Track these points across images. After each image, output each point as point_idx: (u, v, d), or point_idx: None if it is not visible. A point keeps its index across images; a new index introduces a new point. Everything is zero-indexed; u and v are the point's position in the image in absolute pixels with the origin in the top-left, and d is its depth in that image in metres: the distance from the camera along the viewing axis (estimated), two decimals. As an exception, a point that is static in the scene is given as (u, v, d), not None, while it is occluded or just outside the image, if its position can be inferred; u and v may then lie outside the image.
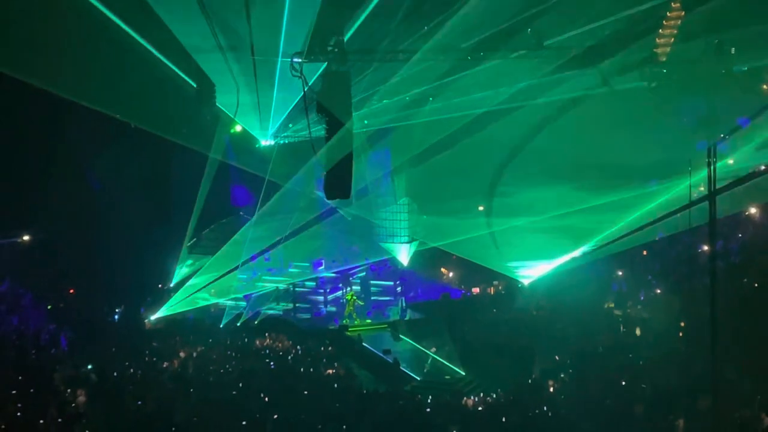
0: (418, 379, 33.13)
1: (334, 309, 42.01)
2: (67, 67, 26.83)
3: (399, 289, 43.33)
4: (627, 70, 27.64)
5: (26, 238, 38.27)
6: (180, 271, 41.99)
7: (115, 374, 30.12)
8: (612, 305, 36.13)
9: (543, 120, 31.57)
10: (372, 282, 43.51)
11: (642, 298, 36.29)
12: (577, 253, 36.47)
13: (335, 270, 43.28)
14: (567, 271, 37.00)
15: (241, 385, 29.27)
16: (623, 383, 27.56)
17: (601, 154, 31.79)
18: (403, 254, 42.76)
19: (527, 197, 35.54)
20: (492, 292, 42.04)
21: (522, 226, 35.72)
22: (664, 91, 27.29)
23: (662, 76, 27.50)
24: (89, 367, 30.41)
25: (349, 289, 41.61)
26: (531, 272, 37.99)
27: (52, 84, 26.98)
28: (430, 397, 29.52)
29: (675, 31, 25.58)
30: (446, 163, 34.42)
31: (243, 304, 39.95)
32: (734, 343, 23.57)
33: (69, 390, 27.95)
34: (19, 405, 25.42)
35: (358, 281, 43.24)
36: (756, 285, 29.47)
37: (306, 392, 28.54)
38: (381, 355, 35.59)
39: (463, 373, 33.19)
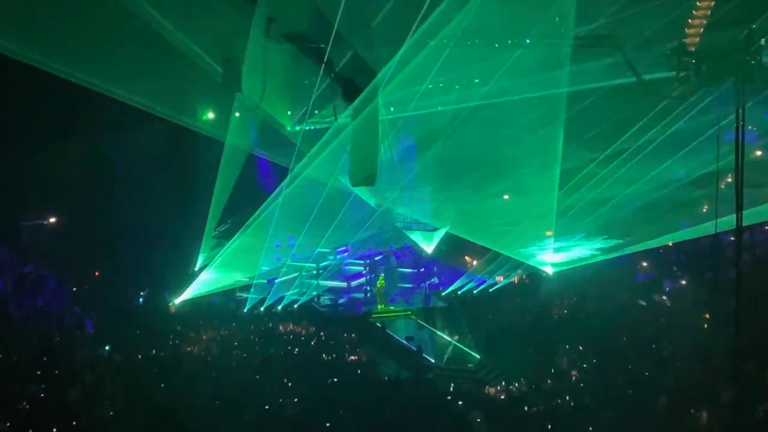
0: (441, 366, 33.27)
1: (358, 295, 42.16)
2: (89, 49, 26.88)
3: (423, 276, 43.37)
4: (656, 59, 27.42)
5: (51, 220, 38.67)
6: (204, 255, 42.15)
7: (139, 357, 30.48)
8: (636, 296, 36.07)
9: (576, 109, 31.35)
10: (396, 269, 43.63)
11: (667, 289, 36.22)
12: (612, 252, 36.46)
13: (359, 256, 43.45)
14: (593, 260, 36.96)
15: (263, 370, 29.53)
16: (646, 374, 27.61)
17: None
18: (428, 242, 42.80)
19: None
20: (516, 282, 42.03)
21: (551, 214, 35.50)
22: (693, 81, 27.05)
23: (691, 66, 27.26)
24: (112, 349, 30.79)
25: (380, 276, 41.81)
26: (557, 261, 37.95)
27: (74, 66, 27.05)
28: (452, 384, 29.68)
29: (705, 21, 25.33)
30: (472, 151, 34.35)
31: (267, 289, 40.10)
32: (758, 335, 23.49)
33: (92, 372, 28.30)
34: (43, 386, 25.78)
35: (382, 267, 43.34)
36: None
37: (329, 379, 28.77)
38: (404, 342, 35.77)
39: (486, 362, 33.32)
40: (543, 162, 32.50)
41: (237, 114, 35.15)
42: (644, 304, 35.48)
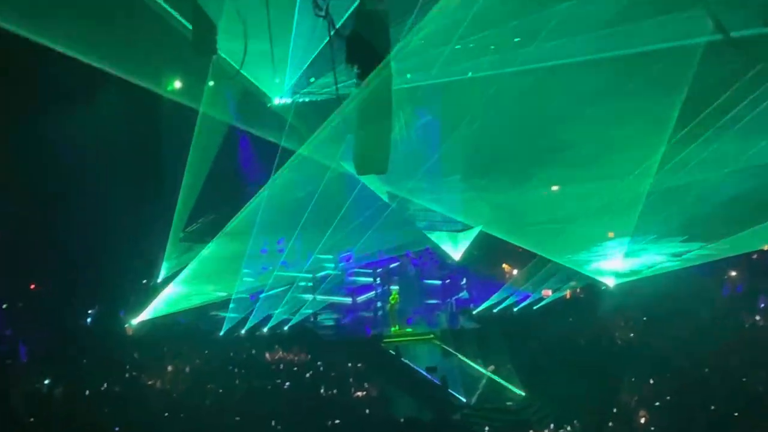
0: (472, 405, 33.12)
1: (366, 314, 42.05)
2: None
3: (449, 289, 43.24)
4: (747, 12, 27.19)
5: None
6: (170, 264, 42.10)
7: (87, 393, 30.36)
8: (722, 315, 35.87)
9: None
10: (414, 280, 43.51)
11: (762, 305, 36.00)
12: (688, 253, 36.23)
13: (367, 264, 43.37)
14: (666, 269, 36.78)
15: (245, 410, 29.40)
16: (735, 415, 27.38)
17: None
18: (455, 246, 42.66)
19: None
20: (568, 296, 41.82)
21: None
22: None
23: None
24: (53, 383, 30.67)
25: (394, 290, 41.74)
26: (621, 270, 37.77)
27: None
28: (486, 428, 29.50)
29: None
30: (511, 129, 34.17)
31: (249, 305, 40.04)
32: None
33: (28, 411, 28.15)
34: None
35: (396, 279, 43.23)
36: None
37: (329, 421, 28.62)
38: (424, 373, 35.62)
39: (530, 398, 33.12)
40: (605, 142, 32.25)
41: (212, 82, 35.13)
42: (732, 325, 35.19)
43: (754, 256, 38.01)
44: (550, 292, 41.88)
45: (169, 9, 29.63)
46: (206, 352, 35.97)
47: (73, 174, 37.35)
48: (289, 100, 38.01)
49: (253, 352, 36.47)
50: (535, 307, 40.96)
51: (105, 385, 31.12)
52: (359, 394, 32.28)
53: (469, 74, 33.56)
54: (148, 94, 33.93)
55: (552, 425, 29.32)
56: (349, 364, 35.05)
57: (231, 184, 44.41)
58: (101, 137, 37.41)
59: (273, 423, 28.17)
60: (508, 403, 33.23)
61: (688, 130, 31.27)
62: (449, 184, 40.91)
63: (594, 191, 35.13)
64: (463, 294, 43.47)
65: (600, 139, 32.80)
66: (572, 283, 41.70)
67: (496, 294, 41.79)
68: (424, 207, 42.28)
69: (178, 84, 35.35)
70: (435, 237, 43.03)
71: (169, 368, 33.90)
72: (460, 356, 37.37)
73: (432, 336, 39.58)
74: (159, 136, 39.45)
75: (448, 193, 41.16)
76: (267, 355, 36.20)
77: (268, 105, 38.15)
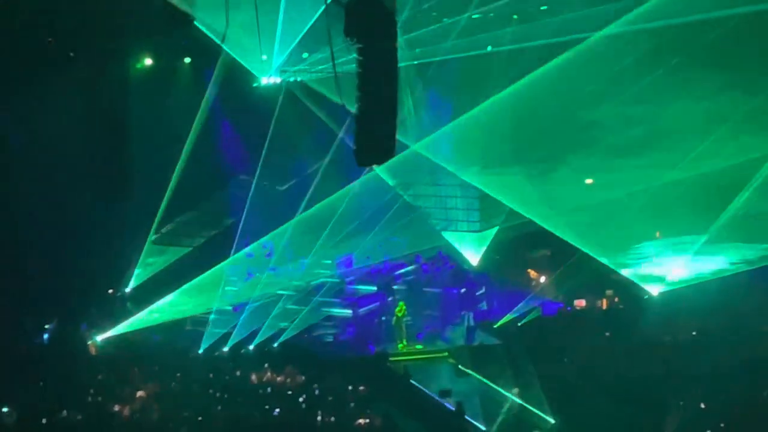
0: (493, 434, 33.03)
1: (369, 329, 41.94)
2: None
3: (465, 299, 43.13)
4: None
5: None
6: (141, 270, 42.07)
7: (43, 421, 30.22)
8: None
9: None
10: (425, 289, 43.44)
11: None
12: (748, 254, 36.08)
13: (370, 271, 43.27)
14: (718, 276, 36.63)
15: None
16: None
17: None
18: (472, 248, 42.55)
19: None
20: (604, 307, 41.72)
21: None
22: None
23: None
24: (4, 410, 30.54)
25: (401, 301, 41.62)
26: (668, 276, 37.65)
27: None
28: (510, 462, 29.50)
29: None
30: (537, 110, 34.06)
31: (232, 319, 39.96)
32: None
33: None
34: None
35: (405, 288, 43.13)
36: None
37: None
38: (437, 398, 35.47)
39: (562, 427, 32.97)
40: (650, 124, 32.17)
41: (189, 59, 35.09)
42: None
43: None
44: (583, 302, 41.77)
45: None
46: (182, 373, 35.83)
47: (33, 165, 37.31)
48: (278, 80, 37.94)
49: (237, 373, 36.33)
50: (566, 320, 40.77)
51: (64, 412, 30.92)
52: (361, 421, 32.07)
53: (489, 48, 33.48)
54: (121, 76, 33.89)
55: (585, 457, 29.22)
56: (350, 387, 34.87)
57: (211, 178, 44.39)
58: (67, 125, 37.38)
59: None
60: (535, 431, 33.09)
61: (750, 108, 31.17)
62: (466, 174, 40.90)
63: (639, 178, 35.05)
64: (482, 305, 43.31)
65: (645, 120, 32.71)
66: (609, 293, 41.56)
67: (520, 305, 41.67)
68: (435, 203, 42.21)
69: (148, 62, 35.19)
70: (449, 238, 42.96)
71: (139, 392, 33.77)
72: (478, 377, 37.24)
73: (446, 354, 39.51)
74: (129, 123, 39.30)
75: (463, 187, 41.13)
76: (253, 376, 36.04)
77: (255, 85, 38.11)
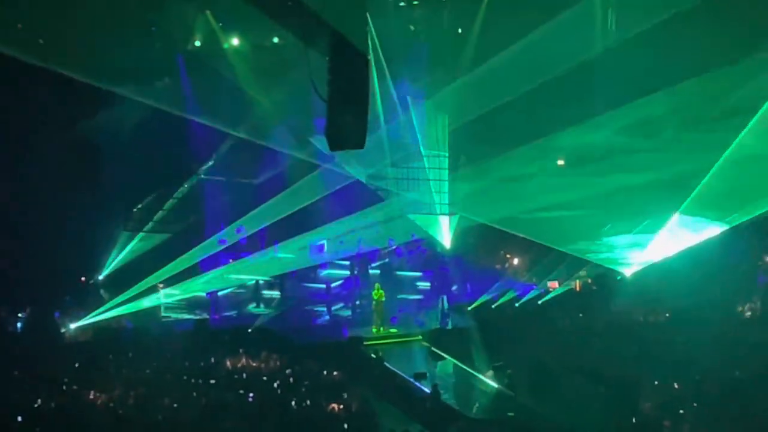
0: (468, 416, 33.08)
1: (344, 313, 42.00)
2: None
3: (439, 283, 43.22)
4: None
5: None
6: (115, 258, 41.96)
7: (18, 418, 30.11)
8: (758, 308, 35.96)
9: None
10: (399, 273, 43.50)
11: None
12: (713, 230, 36.21)
13: (343, 256, 43.30)
14: (690, 256, 36.76)
15: (204, 426, 29.30)
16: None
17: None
18: (444, 232, 42.59)
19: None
20: (578, 289, 41.87)
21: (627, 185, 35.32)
22: None
23: None
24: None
25: (377, 284, 41.62)
26: (637, 258, 37.79)
27: None
28: (486, 443, 29.60)
29: None
30: (510, 97, 34.15)
31: (206, 305, 39.94)
32: None
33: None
34: None
35: (378, 272, 43.19)
36: None
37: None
38: (412, 381, 35.60)
39: (536, 408, 33.10)
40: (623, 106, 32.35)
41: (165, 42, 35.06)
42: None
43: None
44: (557, 284, 41.90)
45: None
46: (157, 360, 35.85)
47: (5, 150, 37.16)
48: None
49: (213, 360, 36.31)
50: (540, 302, 40.93)
51: (38, 402, 30.90)
52: (336, 406, 32.15)
53: (459, 30, 33.58)
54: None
55: (562, 439, 29.35)
56: (324, 372, 34.99)
57: (185, 166, 44.32)
58: (39, 113, 37.27)
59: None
60: (510, 414, 33.11)
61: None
62: (434, 161, 40.96)
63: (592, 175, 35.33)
64: (456, 288, 43.38)
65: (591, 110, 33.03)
66: (581, 273, 41.69)
67: (493, 287, 41.78)
68: (407, 186, 42.22)
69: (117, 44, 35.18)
70: (422, 223, 42.98)
71: (115, 380, 33.78)
72: (453, 360, 37.35)
73: (420, 337, 39.50)
74: (97, 116, 39.20)
75: (433, 170, 41.18)
76: (228, 362, 36.05)
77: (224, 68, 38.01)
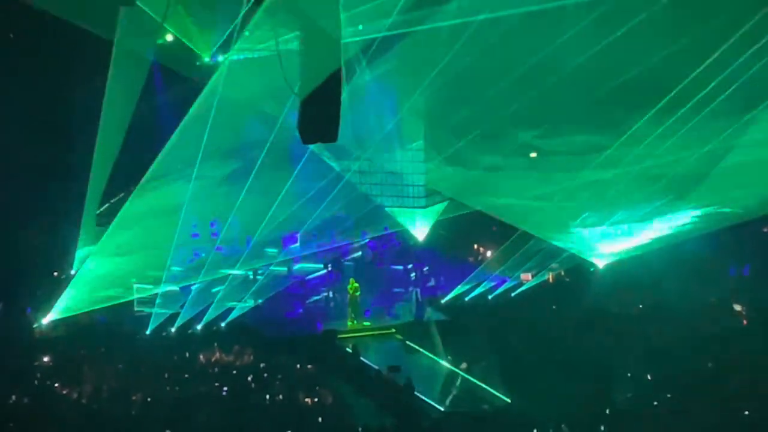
0: (442, 409, 33.16)
1: (317, 306, 42.00)
2: None
3: (413, 276, 43.26)
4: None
5: None
6: (85, 252, 41.78)
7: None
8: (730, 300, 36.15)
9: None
10: (372, 267, 43.53)
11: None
12: (685, 218, 36.27)
13: (317, 249, 43.28)
14: (662, 248, 36.86)
15: (178, 420, 29.28)
16: (746, 413, 27.54)
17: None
18: (419, 225, 42.61)
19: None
20: (551, 281, 41.95)
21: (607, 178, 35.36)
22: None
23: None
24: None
25: (351, 277, 41.67)
26: (610, 249, 37.88)
27: None
28: (460, 435, 29.66)
29: None
30: (484, 87, 34.13)
31: (179, 299, 39.87)
32: None
33: None
34: None
35: (351, 265, 43.18)
36: None
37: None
38: (386, 374, 35.62)
39: (509, 401, 33.20)
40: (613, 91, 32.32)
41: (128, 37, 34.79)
42: (741, 310, 35.42)
43: (765, 229, 38.21)
44: (530, 277, 41.97)
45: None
46: (130, 354, 35.77)
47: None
48: (221, 58, 37.77)
49: (186, 354, 36.27)
50: (513, 294, 41.00)
51: (12, 398, 30.82)
52: (310, 400, 32.21)
53: (433, 23, 33.46)
54: (58, 53, 33.65)
55: (535, 431, 29.34)
56: (298, 366, 35.02)
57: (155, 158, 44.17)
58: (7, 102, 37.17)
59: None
60: (485, 407, 33.21)
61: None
62: (411, 154, 40.83)
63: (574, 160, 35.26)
64: (430, 281, 43.45)
65: (571, 94, 32.88)
66: (555, 266, 41.77)
67: (467, 280, 41.82)
68: (380, 179, 42.14)
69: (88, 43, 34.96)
70: (395, 215, 42.96)
71: (87, 375, 33.72)
72: (426, 353, 37.40)
73: (393, 330, 39.57)
74: (73, 107, 39.05)
75: (411, 164, 41.05)
76: (201, 356, 36.03)
77: (198, 64, 37.91)
